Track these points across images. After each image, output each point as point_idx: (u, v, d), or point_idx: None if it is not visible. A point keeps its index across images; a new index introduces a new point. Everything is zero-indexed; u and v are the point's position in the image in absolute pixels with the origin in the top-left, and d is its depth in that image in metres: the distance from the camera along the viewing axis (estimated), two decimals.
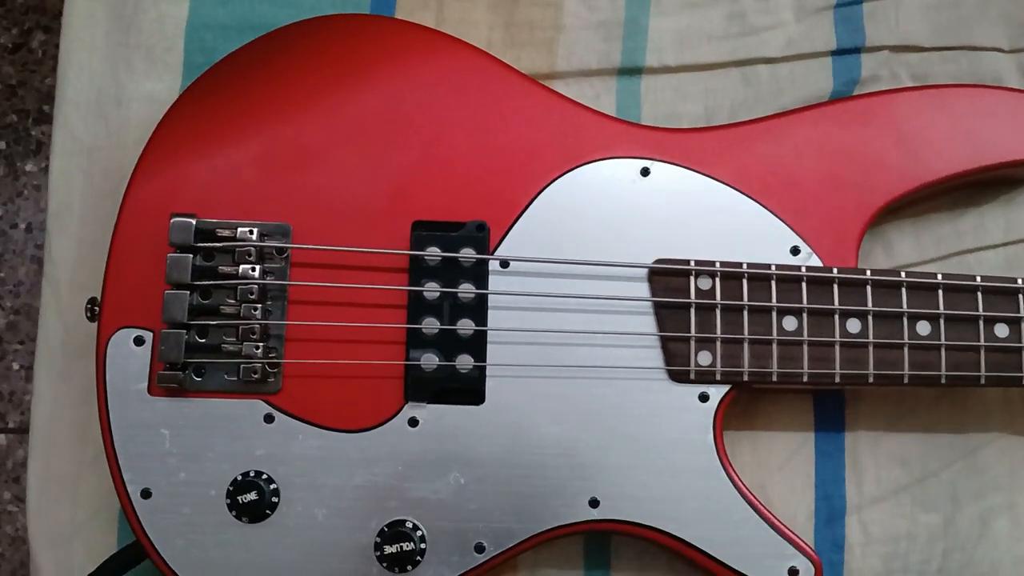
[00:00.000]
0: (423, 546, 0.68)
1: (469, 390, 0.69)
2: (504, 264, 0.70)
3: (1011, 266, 0.78)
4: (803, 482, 0.76)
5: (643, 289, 0.70)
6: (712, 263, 0.70)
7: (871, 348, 0.69)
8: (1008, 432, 0.77)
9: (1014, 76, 0.80)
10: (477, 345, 0.69)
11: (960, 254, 0.78)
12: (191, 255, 0.68)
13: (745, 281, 0.70)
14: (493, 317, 0.70)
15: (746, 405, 0.75)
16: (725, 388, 0.69)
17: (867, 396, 0.77)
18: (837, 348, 0.69)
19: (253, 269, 0.69)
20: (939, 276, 0.71)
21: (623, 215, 0.71)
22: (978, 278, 0.71)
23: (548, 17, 0.81)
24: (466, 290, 0.70)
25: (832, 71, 0.80)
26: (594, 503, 0.68)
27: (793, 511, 0.75)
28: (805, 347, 0.69)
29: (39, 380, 0.78)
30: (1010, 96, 0.74)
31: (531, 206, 0.71)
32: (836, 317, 0.69)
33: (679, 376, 0.69)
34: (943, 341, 0.70)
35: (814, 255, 0.71)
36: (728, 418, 0.71)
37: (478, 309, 0.70)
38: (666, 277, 0.70)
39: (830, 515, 0.75)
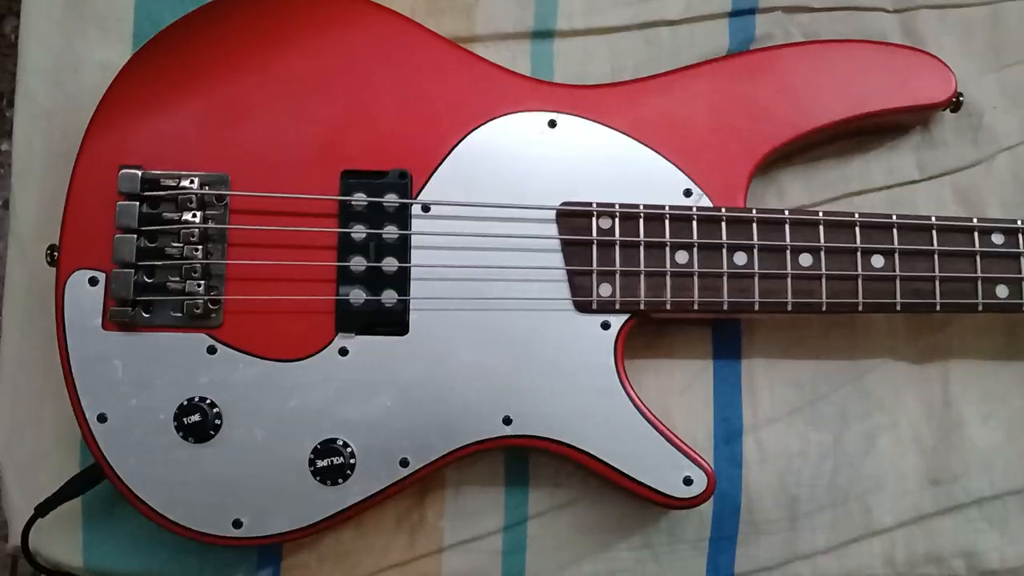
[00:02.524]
0: (353, 461, 0.75)
1: (394, 322, 0.76)
2: (425, 208, 0.77)
3: (894, 207, 0.85)
4: (703, 405, 0.83)
5: (551, 229, 0.77)
6: (612, 204, 0.77)
7: (756, 278, 0.76)
8: (892, 358, 0.84)
9: (897, 34, 0.86)
10: (401, 281, 0.76)
11: (847, 196, 0.85)
12: (138, 203, 0.75)
13: (641, 220, 0.77)
14: (416, 256, 0.77)
15: (650, 336, 0.82)
16: (624, 317, 0.76)
17: (762, 326, 0.84)
18: (725, 279, 0.76)
19: (194, 215, 0.76)
20: (820, 213, 0.78)
21: (533, 163, 0.78)
22: (856, 214, 0.77)
23: None
24: (390, 232, 0.77)
25: (728, 31, 0.86)
26: (507, 421, 0.75)
27: (694, 431, 0.82)
28: (695, 278, 0.76)
29: (7, 324, 0.85)
30: (886, 50, 0.81)
31: (450, 155, 0.78)
32: (724, 251, 0.77)
33: (583, 306, 0.76)
34: (823, 271, 0.77)
35: (704, 196, 0.78)
36: (633, 347, 0.79)
37: (402, 249, 0.77)
38: (571, 218, 0.77)
39: (728, 435, 0.83)
